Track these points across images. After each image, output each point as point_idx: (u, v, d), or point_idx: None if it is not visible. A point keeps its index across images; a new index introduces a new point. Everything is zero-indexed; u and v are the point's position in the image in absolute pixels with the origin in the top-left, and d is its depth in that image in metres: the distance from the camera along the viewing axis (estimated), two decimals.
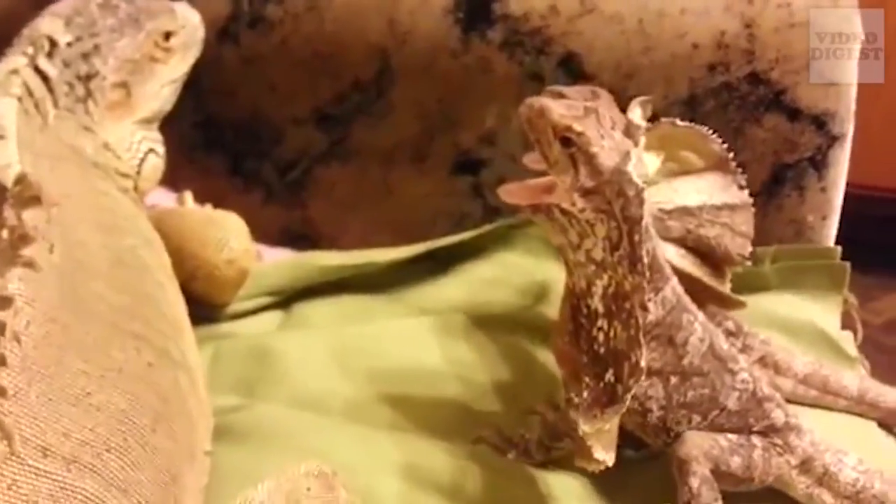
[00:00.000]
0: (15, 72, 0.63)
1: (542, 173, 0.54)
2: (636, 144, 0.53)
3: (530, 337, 0.70)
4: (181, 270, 0.67)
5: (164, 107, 0.71)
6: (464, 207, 0.87)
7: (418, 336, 0.71)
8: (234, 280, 0.72)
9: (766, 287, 0.74)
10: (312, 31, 0.84)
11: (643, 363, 0.49)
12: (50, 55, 0.65)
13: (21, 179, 0.51)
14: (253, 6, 0.85)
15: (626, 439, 0.54)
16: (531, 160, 0.55)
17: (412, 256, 0.78)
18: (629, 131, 0.53)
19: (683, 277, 0.57)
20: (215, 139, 0.91)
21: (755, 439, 0.56)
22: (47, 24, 0.66)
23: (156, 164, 0.70)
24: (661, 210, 0.57)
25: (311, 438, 0.60)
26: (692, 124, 0.57)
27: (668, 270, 0.55)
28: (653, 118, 0.55)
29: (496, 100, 0.83)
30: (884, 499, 0.55)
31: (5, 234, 0.48)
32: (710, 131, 0.57)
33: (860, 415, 0.65)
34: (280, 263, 0.80)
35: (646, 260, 0.50)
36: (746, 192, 0.58)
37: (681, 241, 0.58)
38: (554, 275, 0.68)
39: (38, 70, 0.64)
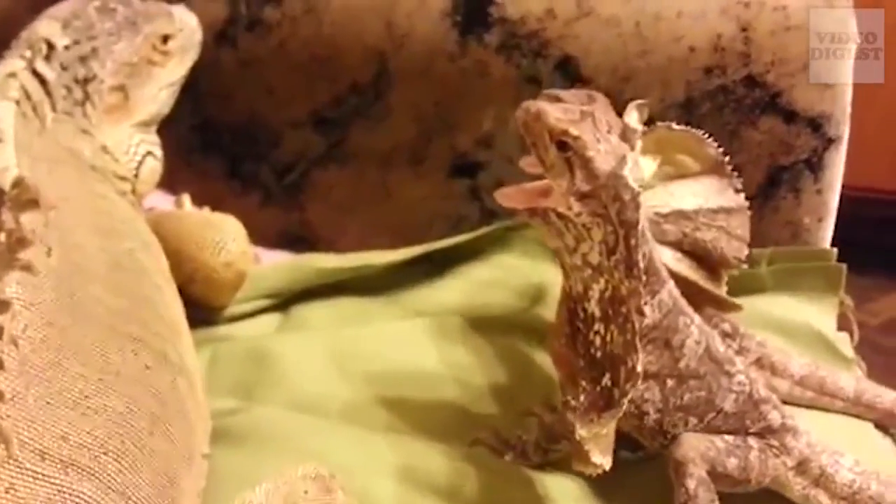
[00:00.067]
0: (13, 75, 0.63)
1: (539, 177, 0.54)
2: (632, 148, 0.52)
3: (527, 339, 0.70)
4: (179, 273, 0.67)
5: (161, 110, 0.71)
6: (461, 210, 0.87)
7: (416, 338, 0.71)
8: (231, 283, 0.73)
9: (762, 289, 0.74)
10: (310, 34, 0.85)
11: (639, 368, 0.49)
12: (48, 58, 0.65)
13: (19, 183, 0.51)
14: (250, 9, 0.85)
15: (622, 441, 0.54)
16: (527, 163, 0.55)
17: (409, 259, 0.78)
18: (625, 135, 0.52)
19: (680, 281, 0.57)
20: (213, 142, 0.91)
21: (752, 441, 0.56)
22: (45, 27, 0.66)
23: (154, 167, 0.70)
24: (657, 214, 0.57)
25: (308, 441, 0.60)
26: (688, 128, 0.57)
27: (665, 273, 0.55)
28: (649, 121, 0.55)
29: (493, 103, 0.83)
30: (880, 500, 0.55)
31: (3, 237, 0.48)
32: (706, 134, 0.57)
33: (857, 416, 0.65)
34: (278, 266, 0.80)
35: (642, 264, 0.50)
36: (742, 195, 0.58)
37: (677, 245, 0.58)
38: (551, 277, 0.68)
39: (35, 73, 0.64)
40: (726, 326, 0.61)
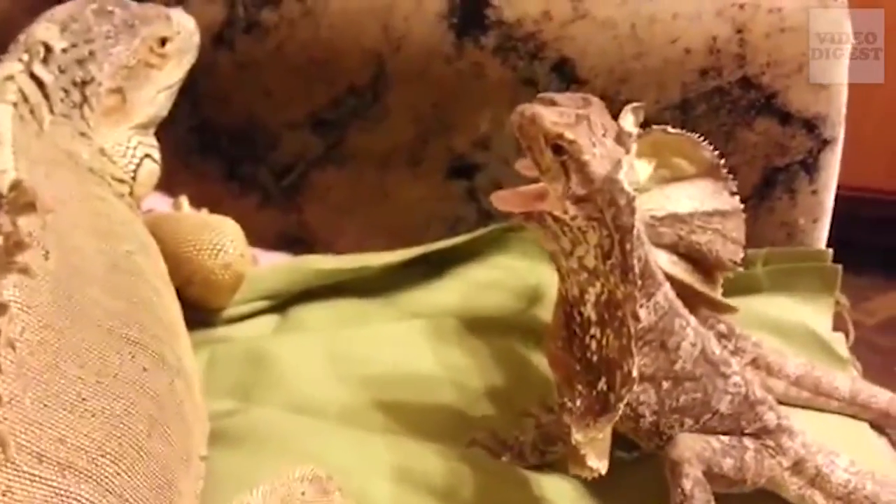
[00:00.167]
0: (10, 78, 0.63)
1: (535, 180, 0.54)
2: (628, 152, 0.52)
3: (524, 340, 0.70)
4: (177, 275, 0.67)
5: (159, 112, 0.71)
6: (458, 211, 0.87)
7: (413, 339, 0.72)
8: (229, 284, 0.73)
9: (757, 289, 0.75)
10: (308, 36, 0.85)
11: (635, 372, 0.49)
12: (45, 61, 0.65)
13: (16, 185, 0.51)
14: (248, 12, 0.85)
15: (618, 441, 0.54)
16: (523, 166, 0.55)
17: (407, 260, 0.79)
18: (621, 139, 0.52)
19: (675, 283, 0.57)
20: (211, 144, 0.91)
21: (747, 441, 0.56)
22: (43, 30, 0.66)
23: (152, 169, 0.70)
24: (652, 217, 0.57)
25: (306, 442, 0.60)
26: (683, 131, 0.57)
27: (660, 276, 0.56)
28: (644, 124, 0.55)
29: (490, 105, 0.83)
30: (875, 500, 0.55)
31: (0, 240, 0.48)
32: (702, 137, 0.58)
33: (852, 416, 0.66)
34: (276, 267, 0.80)
35: (637, 269, 0.50)
36: (738, 198, 0.58)
37: (672, 248, 0.58)
38: (548, 278, 0.68)
39: (33, 76, 0.64)
40: (722, 327, 0.62)
